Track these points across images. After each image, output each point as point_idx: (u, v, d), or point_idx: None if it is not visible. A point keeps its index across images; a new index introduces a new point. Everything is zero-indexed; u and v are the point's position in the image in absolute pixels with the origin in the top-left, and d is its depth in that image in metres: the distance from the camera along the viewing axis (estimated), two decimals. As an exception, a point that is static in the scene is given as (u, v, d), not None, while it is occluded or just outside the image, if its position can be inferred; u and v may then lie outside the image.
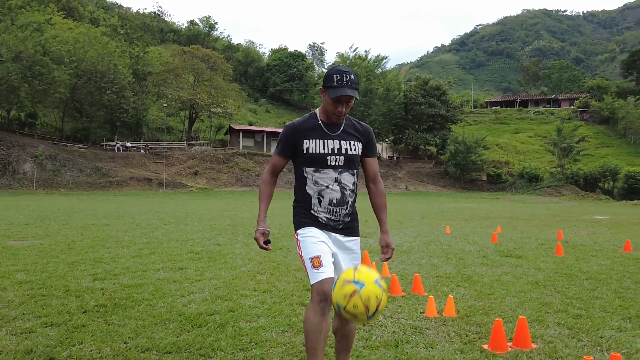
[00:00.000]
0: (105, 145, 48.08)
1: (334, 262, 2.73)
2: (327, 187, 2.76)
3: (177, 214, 17.51)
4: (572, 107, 77.55)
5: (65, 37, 43.15)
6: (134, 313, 4.38)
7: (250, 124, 60.88)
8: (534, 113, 77.73)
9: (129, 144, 49.49)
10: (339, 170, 2.77)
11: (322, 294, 2.55)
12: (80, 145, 46.08)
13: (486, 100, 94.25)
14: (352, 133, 2.82)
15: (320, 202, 2.76)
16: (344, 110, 2.70)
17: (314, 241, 2.69)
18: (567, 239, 10.75)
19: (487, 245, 9.37)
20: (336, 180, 2.76)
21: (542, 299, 5.05)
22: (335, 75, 2.65)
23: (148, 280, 5.81)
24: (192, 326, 4.00)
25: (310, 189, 2.77)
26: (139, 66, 50.99)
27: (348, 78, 2.63)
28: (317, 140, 2.75)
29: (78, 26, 47.01)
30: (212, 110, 53.15)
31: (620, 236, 11.67)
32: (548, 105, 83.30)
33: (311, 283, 2.63)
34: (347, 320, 2.60)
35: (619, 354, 2.89)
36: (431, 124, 55.75)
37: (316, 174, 2.76)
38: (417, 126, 56.33)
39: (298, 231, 2.79)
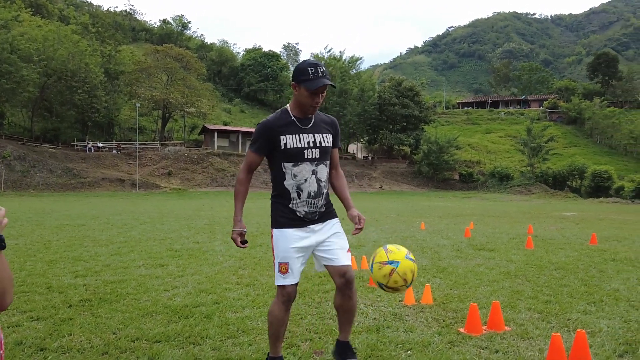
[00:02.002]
0: (77, 145, 47.18)
1: (315, 253, 2.90)
2: (305, 180, 2.84)
3: (152, 214, 17.39)
4: (541, 108, 79.64)
5: (34, 35, 42.19)
6: (119, 306, 4.44)
7: (225, 124, 60.53)
8: (504, 114, 79.48)
9: (100, 144, 48.65)
10: (315, 162, 2.86)
11: (286, 295, 2.84)
12: (51, 146, 45.07)
13: (458, 101, 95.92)
14: (323, 126, 2.92)
15: (299, 195, 2.84)
16: (319, 101, 2.79)
17: (286, 246, 2.82)
18: (537, 234, 11.15)
19: (460, 240, 9.66)
20: (313, 172, 2.85)
21: (514, 287, 5.31)
22: (309, 69, 2.72)
23: (130, 276, 5.85)
24: (178, 317, 4.09)
25: (289, 184, 2.84)
26: (110, 65, 50.21)
27: (322, 70, 2.73)
28: (294, 135, 2.82)
29: (47, 24, 46.01)
30: (185, 110, 52.69)
31: (586, 231, 12.15)
32: (518, 106, 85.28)
33: (276, 284, 2.87)
34: (389, 292, 2.96)
35: (584, 331, 3.12)
36: (405, 124, 56.47)
37: (294, 169, 2.83)
38: (391, 126, 56.98)
39: (274, 230, 2.90)
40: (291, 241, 2.82)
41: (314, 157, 2.85)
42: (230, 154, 50.20)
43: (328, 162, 2.95)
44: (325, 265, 2.92)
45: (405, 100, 56.13)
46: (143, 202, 28.13)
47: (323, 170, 2.91)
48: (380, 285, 2.83)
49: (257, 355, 3.20)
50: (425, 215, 18.28)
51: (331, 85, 2.77)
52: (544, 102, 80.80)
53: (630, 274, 6.16)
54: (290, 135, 2.82)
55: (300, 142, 2.82)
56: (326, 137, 2.91)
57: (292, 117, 2.86)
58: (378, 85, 64.42)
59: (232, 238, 2.85)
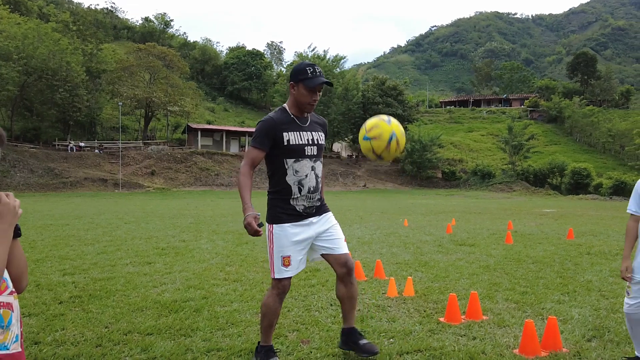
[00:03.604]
0: (58, 145, 46.55)
1: (314, 244, 3.05)
2: (306, 176, 2.99)
3: (136, 214, 17.33)
4: (522, 106, 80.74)
5: (13, 32, 41.48)
6: (109, 302, 4.53)
7: (209, 122, 60.22)
8: (486, 112, 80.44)
9: (82, 144, 48.06)
10: (314, 159, 3.03)
11: (282, 288, 2.96)
12: (31, 145, 44.41)
13: (441, 100, 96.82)
14: (317, 125, 3.13)
15: (300, 190, 2.98)
16: (317, 99, 2.98)
17: (287, 241, 2.94)
18: (516, 229, 11.44)
19: (442, 236, 9.89)
20: (312, 168, 3.02)
21: (492, 280, 5.52)
22: (308, 68, 2.92)
23: (118, 273, 5.93)
24: (169, 311, 4.20)
25: (291, 179, 2.97)
26: (92, 64, 49.59)
27: (319, 70, 2.94)
28: (295, 133, 2.98)
29: (26, 21, 45.24)
30: (168, 108, 52.27)
31: (565, 226, 12.49)
32: (500, 105, 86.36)
33: (274, 277, 2.96)
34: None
35: (555, 317, 3.32)
36: (389, 123, 56.77)
37: (296, 165, 2.97)
38: (375, 125, 57.24)
39: (274, 225, 2.98)
40: (292, 235, 2.95)
41: (312, 153, 3.02)
42: (214, 153, 49.99)
43: (322, 159, 3.14)
44: (324, 255, 3.06)
45: (389, 99, 56.52)
46: (126, 202, 27.93)
47: (320, 167, 3.09)
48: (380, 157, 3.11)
49: (247, 345, 3.34)
50: (408, 212, 18.54)
51: (329, 84, 2.95)
52: (525, 101, 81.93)
53: (603, 266, 6.43)
54: (292, 132, 2.97)
55: (301, 139, 2.98)
56: (321, 135, 3.11)
57: (292, 116, 3.02)
58: (362, 84, 64.67)
59: (246, 224, 2.74)
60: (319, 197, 3.09)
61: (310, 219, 3.03)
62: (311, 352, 3.22)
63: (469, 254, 7.53)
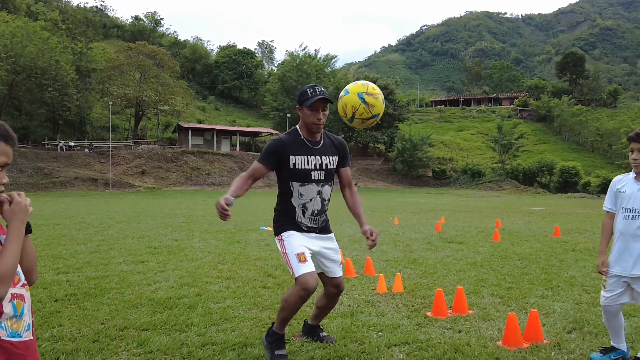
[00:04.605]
0: (47, 144, 46.26)
1: (317, 257, 3.18)
2: (311, 200, 3.07)
3: (127, 213, 17.34)
4: (512, 105, 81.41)
5: (0, 31, 41.18)
6: (104, 300, 4.62)
7: (199, 121, 60.08)
8: (476, 112, 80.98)
9: (72, 143, 47.80)
10: (321, 184, 3.10)
11: (305, 286, 2.91)
12: (20, 145, 44.01)
13: (431, 100, 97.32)
14: (330, 148, 3.16)
15: (304, 213, 3.08)
16: (322, 117, 3.01)
17: (298, 242, 3.02)
18: (504, 227, 11.64)
19: (431, 234, 10.05)
20: (318, 193, 3.09)
21: (479, 276, 5.67)
22: (308, 89, 3.01)
23: (112, 272, 6.00)
24: (163, 308, 4.30)
25: (295, 201, 3.07)
26: (82, 63, 49.33)
27: (319, 89, 2.99)
28: (303, 157, 3.05)
29: (14, 19, 44.90)
30: (159, 107, 52.13)
31: (552, 224, 12.70)
32: (489, 104, 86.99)
33: (296, 275, 2.94)
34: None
35: (537, 310, 3.46)
36: (380, 122, 57.09)
37: (301, 188, 3.06)
38: (366, 124, 57.50)
39: (282, 234, 3.09)
40: (301, 237, 3.07)
41: (319, 178, 3.08)
42: (205, 152, 49.89)
43: (332, 182, 3.19)
44: (320, 274, 3.18)
45: (380, 99, 56.79)
46: (117, 202, 27.87)
47: (327, 191, 3.15)
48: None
49: (240, 339, 3.44)
50: (399, 211, 18.71)
51: (328, 101, 2.96)
52: (515, 100, 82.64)
53: (586, 263, 6.61)
54: (300, 157, 3.04)
55: (307, 164, 3.04)
56: (332, 159, 3.14)
57: (302, 138, 3.09)
58: (353, 84, 64.87)
59: (217, 203, 2.80)
60: (324, 218, 3.19)
61: (314, 234, 3.15)
62: (302, 345, 3.34)
63: (457, 251, 7.68)
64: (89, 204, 24.28)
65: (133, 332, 3.62)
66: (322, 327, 3.51)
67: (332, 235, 3.27)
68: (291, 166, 3.03)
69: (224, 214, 2.79)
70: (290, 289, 3.06)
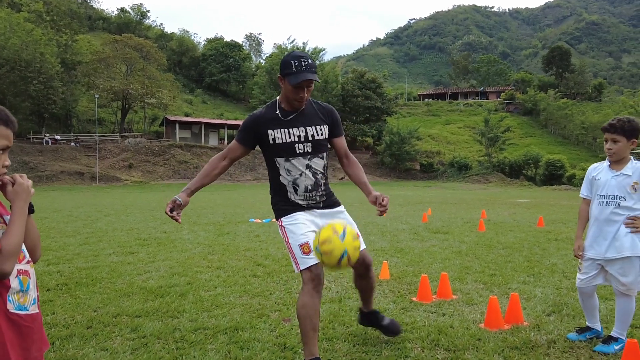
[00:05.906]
0: (33, 138, 45.72)
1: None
2: (300, 174, 2.76)
3: (115, 206, 17.30)
4: (498, 99, 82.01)
5: (-17, 22, 40.54)
6: (96, 289, 4.68)
7: (187, 115, 59.74)
8: (463, 105, 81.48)
9: (58, 137, 47.28)
10: (309, 156, 2.77)
11: (313, 277, 2.62)
12: (4, 139, 43.51)
13: (419, 93, 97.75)
14: (316, 117, 2.80)
15: (296, 190, 2.77)
16: (305, 95, 2.68)
17: (300, 228, 2.71)
18: (489, 218, 11.84)
19: (418, 225, 10.21)
20: (307, 167, 2.77)
21: (463, 264, 5.82)
22: (293, 62, 2.61)
23: (102, 263, 6.05)
24: (155, 296, 4.38)
25: (284, 179, 2.78)
26: (67, 55, 48.69)
27: (306, 62, 2.61)
28: (282, 130, 2.73)
29: (-3, 11, 44.21)
30: (146, 101, 51.71)
31: (536, 215, 12.94)
32: (477, 98, 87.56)
33: (301, 269, 2.66)
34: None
35: (517, 294, 3.60)
36: (367, 115, 57.26)
37: (287, 164, 2.76)
38: (354, 118, 57.64)
39: (282, 219, 2.80)
40: (304, 221, 2.74)
41: (306, 151, 2.75)
42: (193, 146, 49.69)
43: (325, 154, 2.86)
44: None
45: (368, 92, 56.90)
46: (104, 195, 27.72)
47: (319, 163, 2.82)
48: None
49: (232, 324, 3.54)
50: (387, 203, 18.86)
51: (314, 80, 2.64)
52: (502, 93, 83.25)
53: (568, 251, 6.79)
54: (279, 130, 2.73)
55: (289, 137, 2.73)
56: (320, 129, 2.79)
57: (282, 111, 2.76)
58: (341, 77, 64.89)
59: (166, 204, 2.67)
60: (321, 193, 2.85)
61: (317, 210, 2.84)
62: (292, 329, 3.44)
63: (442, 240, 7.84)
64: (76, 198, 24.14)
65: (126, 319, 3.70)
66: (381, 314, 3.20)
67: (341, 208, 2.93)
68: (271, 141, 2.74)
69: (173, 219, 2.66)
70: (299, 297, 2.70)
